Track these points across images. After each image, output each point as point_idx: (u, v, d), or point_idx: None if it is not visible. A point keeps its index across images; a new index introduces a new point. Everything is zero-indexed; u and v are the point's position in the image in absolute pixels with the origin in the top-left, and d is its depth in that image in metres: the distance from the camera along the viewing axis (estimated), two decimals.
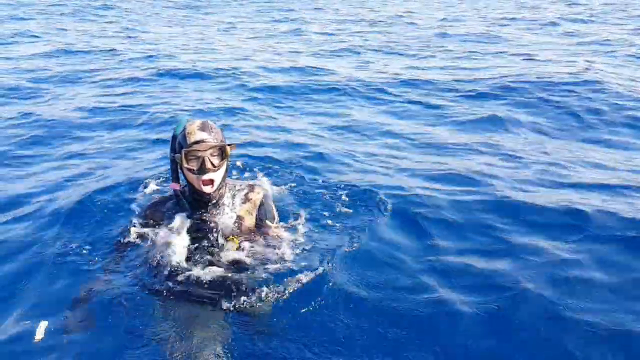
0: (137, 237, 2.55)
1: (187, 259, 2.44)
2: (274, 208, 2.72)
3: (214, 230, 2.50)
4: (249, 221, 2.59)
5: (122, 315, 2.29)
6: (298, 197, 3.47)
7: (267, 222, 2.62)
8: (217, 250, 2.48)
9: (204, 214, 2.52)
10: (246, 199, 2.61)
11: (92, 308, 2.31)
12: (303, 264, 2.52)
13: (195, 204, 2.51)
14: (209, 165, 2.34)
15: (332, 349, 2.17)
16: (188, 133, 2.37)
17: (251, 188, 2.66)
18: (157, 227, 2.54)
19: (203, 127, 2.39)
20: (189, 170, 2.37)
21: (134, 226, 2.58)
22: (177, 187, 2.51)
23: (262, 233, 2.59)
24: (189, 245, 2.47)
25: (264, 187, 2.95)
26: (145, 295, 2.37)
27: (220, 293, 2.30)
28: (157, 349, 2.14)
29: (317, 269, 2.51)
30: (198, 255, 2.45)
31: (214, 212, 2.52)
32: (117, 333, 2.22)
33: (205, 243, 2.49)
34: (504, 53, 9.11)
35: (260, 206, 2.62)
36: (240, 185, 2.68)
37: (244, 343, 2.19)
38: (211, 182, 2.40)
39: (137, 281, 2.42)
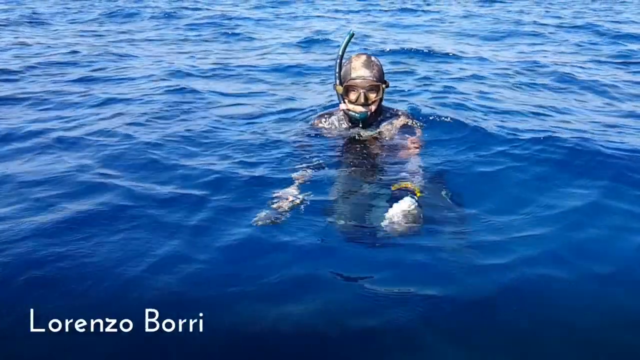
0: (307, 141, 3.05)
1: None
2: (419, 131, 3.04)
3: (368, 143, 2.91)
4: (395, 140, 2.99)
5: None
6: None
7: (410, 138, 2.95)
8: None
9: (360, 130, 2.97)
10: (393, 123, 3.04)
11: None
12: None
13: (351, 121, 3.00)
14: (364, 99, 2.82)
15: None
16: (353, 67, 2.81)
17: (398, 116, 3.06)
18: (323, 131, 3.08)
19: (366, 64, 2.81)
20: (349, 100, 2.86)
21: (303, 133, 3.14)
22: (343, 107, 2.93)
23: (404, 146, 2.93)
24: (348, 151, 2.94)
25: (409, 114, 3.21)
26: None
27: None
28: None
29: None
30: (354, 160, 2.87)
31: (368, 129, 2.98)
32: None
33: (359, 153, 2.89)
34: None
35: (402, 127, 3.01)
36: (393, 111, 3.10)
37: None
38: (367, 110, 2.85)
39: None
